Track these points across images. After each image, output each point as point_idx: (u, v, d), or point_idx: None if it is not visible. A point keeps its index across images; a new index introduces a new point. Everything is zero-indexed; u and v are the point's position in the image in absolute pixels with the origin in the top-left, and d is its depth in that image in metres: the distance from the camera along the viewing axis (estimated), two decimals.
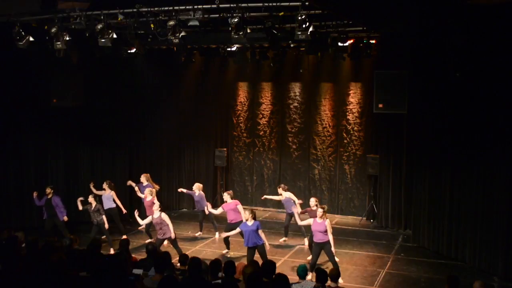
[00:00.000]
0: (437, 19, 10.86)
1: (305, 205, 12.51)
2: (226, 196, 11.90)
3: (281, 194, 12.63)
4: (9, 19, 10.20)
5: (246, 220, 10.23)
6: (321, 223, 10.06)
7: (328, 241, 10.02)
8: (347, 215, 15.11)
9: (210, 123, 16.32)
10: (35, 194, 12.46)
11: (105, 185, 12.91)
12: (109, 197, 12.82)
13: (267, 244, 10.25)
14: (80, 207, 12.08)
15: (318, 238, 10.09)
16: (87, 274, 6.22)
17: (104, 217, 11.90)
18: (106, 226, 11.92)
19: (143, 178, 13.44)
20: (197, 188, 13.27)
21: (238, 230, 10.48)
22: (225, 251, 11.91)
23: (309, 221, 10.36)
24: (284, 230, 12.89)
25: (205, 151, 16.38)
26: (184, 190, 13.63)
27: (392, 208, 13.99)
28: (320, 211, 10.17)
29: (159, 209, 11.08)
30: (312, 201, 11.24)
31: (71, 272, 6.13)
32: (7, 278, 5.97)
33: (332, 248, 10.04)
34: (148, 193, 12.65)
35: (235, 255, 11.69)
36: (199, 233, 13.44)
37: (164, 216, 11.01)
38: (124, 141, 15.15)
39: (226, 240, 11.86)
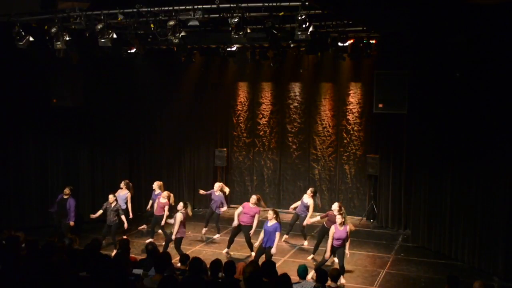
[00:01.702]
0: (437, 19, 10.86)
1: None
2: (252, 199, 11.68)
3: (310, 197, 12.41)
4: (9, 19, 10.18)
5: (269, 219, 10.37)
6: (343, 231, 10.14)
7: (344, 246, 10.18)
8: (347, 215, 15.03)
9: (210, 123, 16.31)
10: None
11: (122, 184, 12.88)
12: (124, 198, 12.74)
13: (274, 249, 10.26)
14: (98, 214, 12.01)
15: (336, 243, 10.16)
16: (87, 274, 6.21)
17: (123, 216, 11.92)
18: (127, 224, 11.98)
19: (156, 186, 13.18)
20: (218, 188, 13.24)
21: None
22: (225, 250, 11.92)
23: (332, 228, 10.26)
24: (288, 228, 12.86)
25: (205, 151, 16.37)
26: (204, 192, 13.57)
27: (392, 208, 13.99)
28: (339, 218, 10.18)
29: (179, 209, 11.19)
30: (336, 206, 10.77)
31: (71, 272, 6.13)
32: (7, 278, 5.96)
33: (347, 250, 10.19)
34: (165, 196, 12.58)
35: (235, 255, 11.69)
36: (217, 235, 13.30)
37: (177, 216, 11.05)
38: (124, 141, 15.15)
39: (231, 240, 11.86)
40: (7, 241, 7.28)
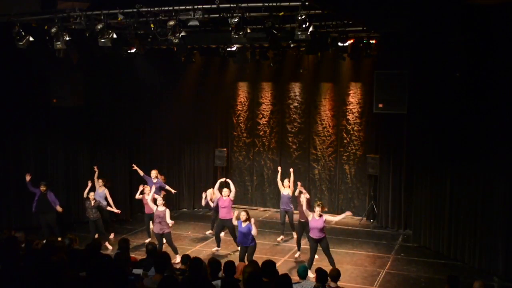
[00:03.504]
0: (437, 19, 10.86)
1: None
2: (225, 192, 11.99)
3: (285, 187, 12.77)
4: (9, 19, 10.18)
5: (242, 220, 10.41)
6: (319, 220, 10.29)
7: (325, 237, 10.43)
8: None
9: (210, 123, 16.32)
10: (28, 177, 12.44)
11: (100, 182, 12.95)
12: (102, 195, 12.81)
13: (254, 231, 10.24)
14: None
15: (314, 234, 10.34)
16: (87, 274, 6.21)
17: (109, 207, 12.18)
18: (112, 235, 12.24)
19: (153, 174, 13.50)
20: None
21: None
22: (215, 249, 11.99)
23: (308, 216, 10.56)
24: (281, 228, 12.99)
25: (205, 151, 16.38)
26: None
27: (392, 208, 13.99)
28: (317, 209, 10.35)
29: (163, 203, 11.33)
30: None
31: (71, 272, 6.13)
32: (7, 278, 5.96)
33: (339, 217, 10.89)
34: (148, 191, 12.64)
35: (223, 253, 11.73)
36: (210, 231, 13.49)
37: (167, 211, 11.18)
38: (124, 141, 15.15)
39: (218, 238, 12.03)
40: (7, 241, 7.29)
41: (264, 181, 16.19)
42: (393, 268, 11.22)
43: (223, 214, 11.80)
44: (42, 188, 12.34)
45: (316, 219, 10.31)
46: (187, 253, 10.23)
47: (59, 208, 12.38)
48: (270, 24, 9.19)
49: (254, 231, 10.20)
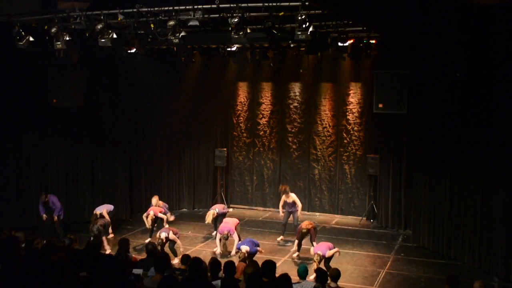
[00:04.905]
0: (437, 19, 10.86)
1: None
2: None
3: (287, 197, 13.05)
4: (9, 19, 10.19)
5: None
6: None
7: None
8: (347, 215, 15.12)
9: (210, 123, 16.32)
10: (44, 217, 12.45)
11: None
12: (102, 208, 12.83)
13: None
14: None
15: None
16: (87, 274, 6.21)
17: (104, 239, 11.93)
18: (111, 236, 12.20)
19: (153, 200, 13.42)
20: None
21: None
22: (216, 249, 11.97)
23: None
24: (282, 228, 13.00)
25: (205, 151, 16.37)
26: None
27: (392, 208, 13.99)
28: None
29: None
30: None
31: (71, 272, 6.13)
32: (7, 278, 5.96)
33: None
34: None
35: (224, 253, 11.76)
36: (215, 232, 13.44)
37: (172, 236, 11.19)
38: (124, 141, 15.14)
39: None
40: (7, 241, 7.29)
41: (264, 181, 16.19)
42: (393, 268, 11.22)
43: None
44: (42, 197, 12.35)
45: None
46: (187, 253, 10.25)
47: (55, 218, 12.39)
48: (270, 24, 9.19)
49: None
